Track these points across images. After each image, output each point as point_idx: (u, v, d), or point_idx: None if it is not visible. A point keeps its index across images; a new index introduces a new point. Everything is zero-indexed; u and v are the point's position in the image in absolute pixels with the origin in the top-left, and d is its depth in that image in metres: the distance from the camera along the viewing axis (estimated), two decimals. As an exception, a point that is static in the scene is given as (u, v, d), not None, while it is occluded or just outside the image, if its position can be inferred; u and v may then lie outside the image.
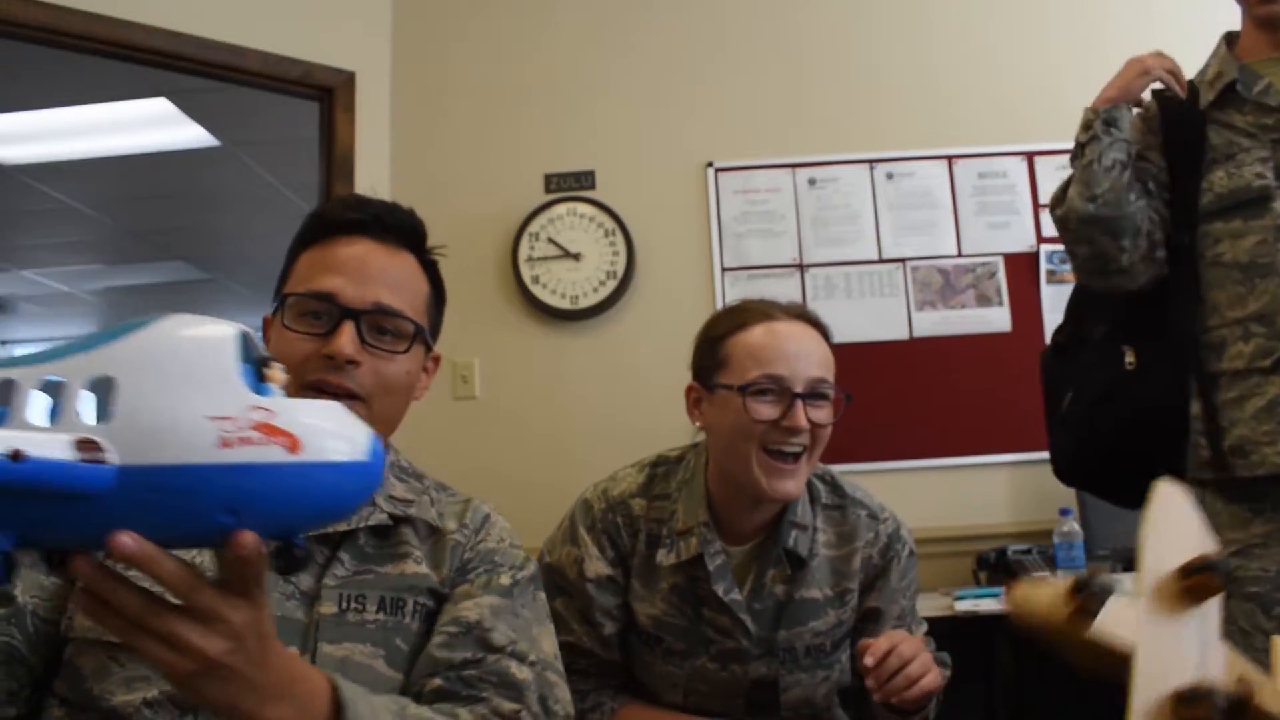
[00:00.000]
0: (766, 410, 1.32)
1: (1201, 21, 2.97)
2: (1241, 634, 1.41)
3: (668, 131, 2.94)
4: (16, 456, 0.51)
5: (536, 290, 2.84)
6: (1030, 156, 2.91)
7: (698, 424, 1.45)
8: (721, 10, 3.00)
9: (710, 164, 2.92)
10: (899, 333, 2.83)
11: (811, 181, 2.91)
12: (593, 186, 2.91)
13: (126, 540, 0.54)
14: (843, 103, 2.95)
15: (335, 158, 2.81)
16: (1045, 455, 2.72)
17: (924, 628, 1.51)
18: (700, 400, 1.43)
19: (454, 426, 2.75)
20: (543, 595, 1.09)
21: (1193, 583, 0.68)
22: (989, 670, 2.26)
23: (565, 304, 2.83)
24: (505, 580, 1.03)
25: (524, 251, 2.86)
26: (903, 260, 2.87)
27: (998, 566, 2.49)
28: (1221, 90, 1.62)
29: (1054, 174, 2.90)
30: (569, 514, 1.50)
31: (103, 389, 0.56)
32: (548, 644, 1.05)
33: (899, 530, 1.49)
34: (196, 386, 0.55)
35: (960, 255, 2.87)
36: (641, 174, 2.92)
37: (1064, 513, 2.45)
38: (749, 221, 2.90)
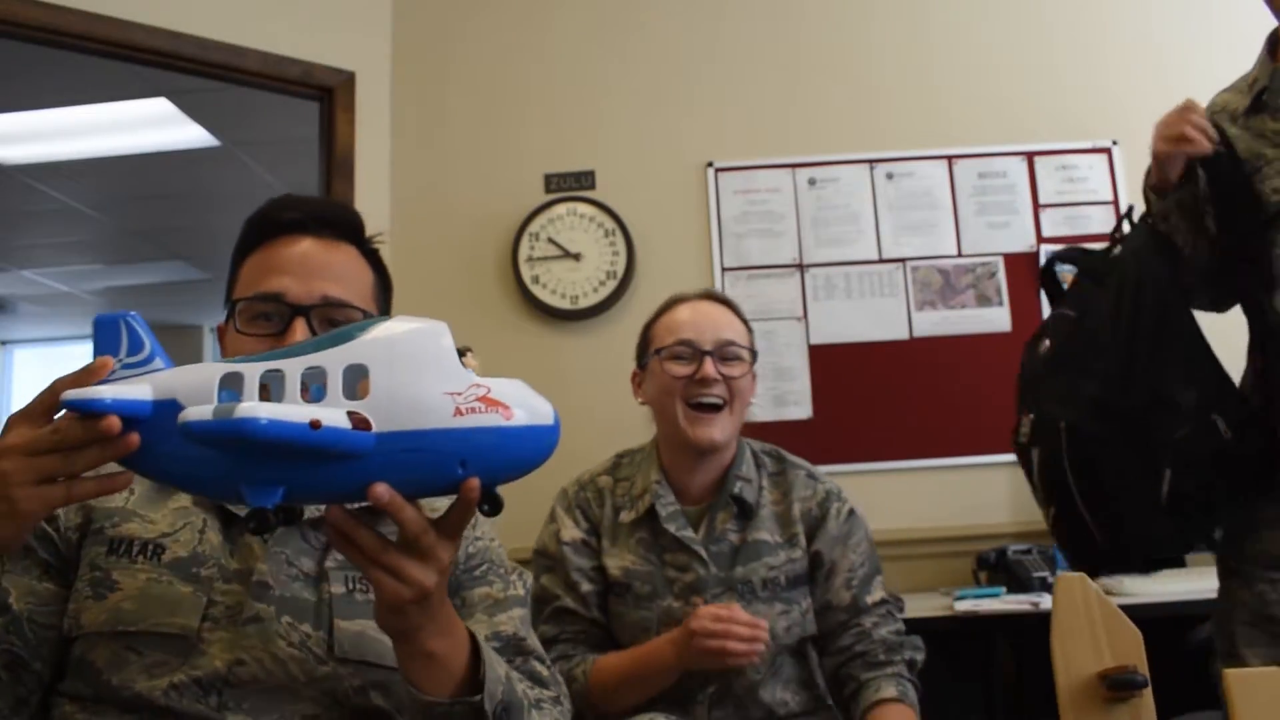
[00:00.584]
0: (680, 369, 1.58)
1: (1202, 21, 2.98)
2: None
3: (668, 131, 2.94)
4: (315, 425, 0.66)
5: (536, 290, 2.84)
6: (1030, 156, 2.91)
7: (640, 399, 1.69)
8: (721, 10, 3.01)
9: (710, 164, 2.92)
10: (899, 333, 2.83)
11: (811, 181, 2.91)
12: (593, 186, 2.91)
13: (382, 490, 0.70)
14: (843, 103, 2.95)
15: (335, 158, 2.81)
16: (1045, 455, 2.75)
17: (878, 599, 1.62)
18: (640, 380, 1.69)
19: (454, 426, 2.75)
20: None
21: (1115, 695, 0.74)
22: (989, 670, 2.26)
23: (565, 304, 2.84)
24: (520, 591, 1.10)
25: (524, 251, 2.86)
26: (903, 260, 2.87)
27: (998, 566, 2.49)
28: (1255, 96, 1.61)
29: (1054, 174, 2.90)
30: (548, 518, 1.73)
31: (353, 375, 0.71)
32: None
33: (839, 492, 1.68)
34: (432, 369, 0.71)
35: (960, 255, 2.87)
36: (641, 174, 2.92)
37: (1064, 513, 2.44)
38: (749, 221, 2.90)
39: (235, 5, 2.66)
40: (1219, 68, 2.95)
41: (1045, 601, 2.26)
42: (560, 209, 2.88)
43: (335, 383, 0.70)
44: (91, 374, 0.75)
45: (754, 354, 1.63)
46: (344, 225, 1.09)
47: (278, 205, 1.09)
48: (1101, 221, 2.88)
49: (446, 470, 0.71)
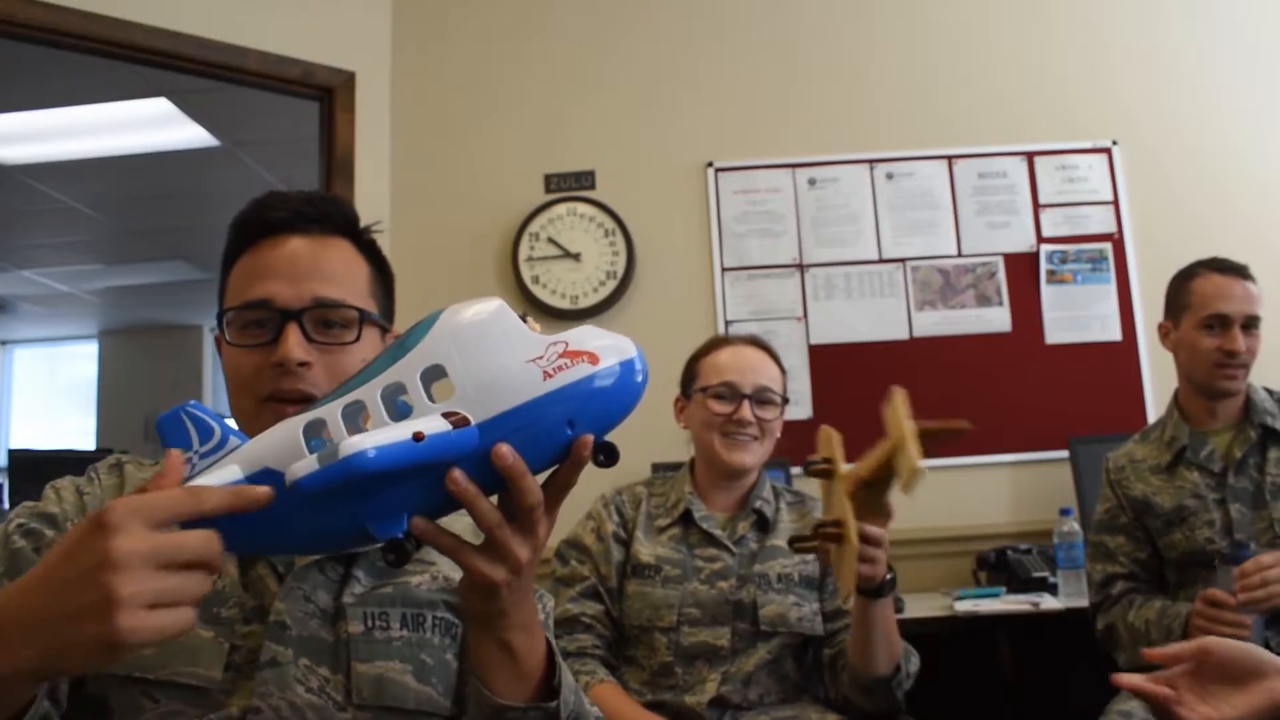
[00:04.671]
0: (721, 407, 1.78)
1: (1202, 22, 2.98)
2: None
3: (668, 131, 2.94)
4: (419, 437, 0.64)
5: (537, 290, 2.84)
6: (1030, 156, 2.91)
7: (682, 424, 1.89)
8: (721, 10, 3.00)
9: (710, 164, 2.92)
10: (899, 333, 2.83)
11: (811, 181, 2.91)
12: (593, 186, 2.91)
13: (506, 450, 0.68)
14: (843, 103, 2.95)
15: (335, 158, 2.81)
16: (1045, 455, 2.75)
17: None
18: (684, 407, 1.89)
19: (454, 426, 2.75)
20: None
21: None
22: (989, 670, 2.26)
23: (565, 304, 2.84)
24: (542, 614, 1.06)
25: (524, 251, 2.86)
26: (903, 260, 2.87)
27: (998, 566, 2.49)
28: (1175, 453, 1.91)
29: (1054, 174, 2.90)
30: (585, 516, 1.90)
31: (431, 377, 0.69)
32: None
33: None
34: (505, 345, 0.69)
35: (960, 255, 2.87)
36: (641, 174, 2.92)
37: (1064, 513, 2.45)
38: (749, 221, 2.90)
39: (235, 5, 2.66)
40: (1219, 67, 2.96)
41: (1045, 601, 2.26)
42: (560, 209, 2.88)
43: (417, 392, 0.69)
44: (169, 476, 0.68)
45: (785, 400, 1.84)
46: (334, 218, 1.02)
47: (262, 205, 1.02)
48: (1101, 221, 2.88)
49: (556, 435, 0.69)
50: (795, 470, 2.58)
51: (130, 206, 4.88)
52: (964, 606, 2.26)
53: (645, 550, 1.79)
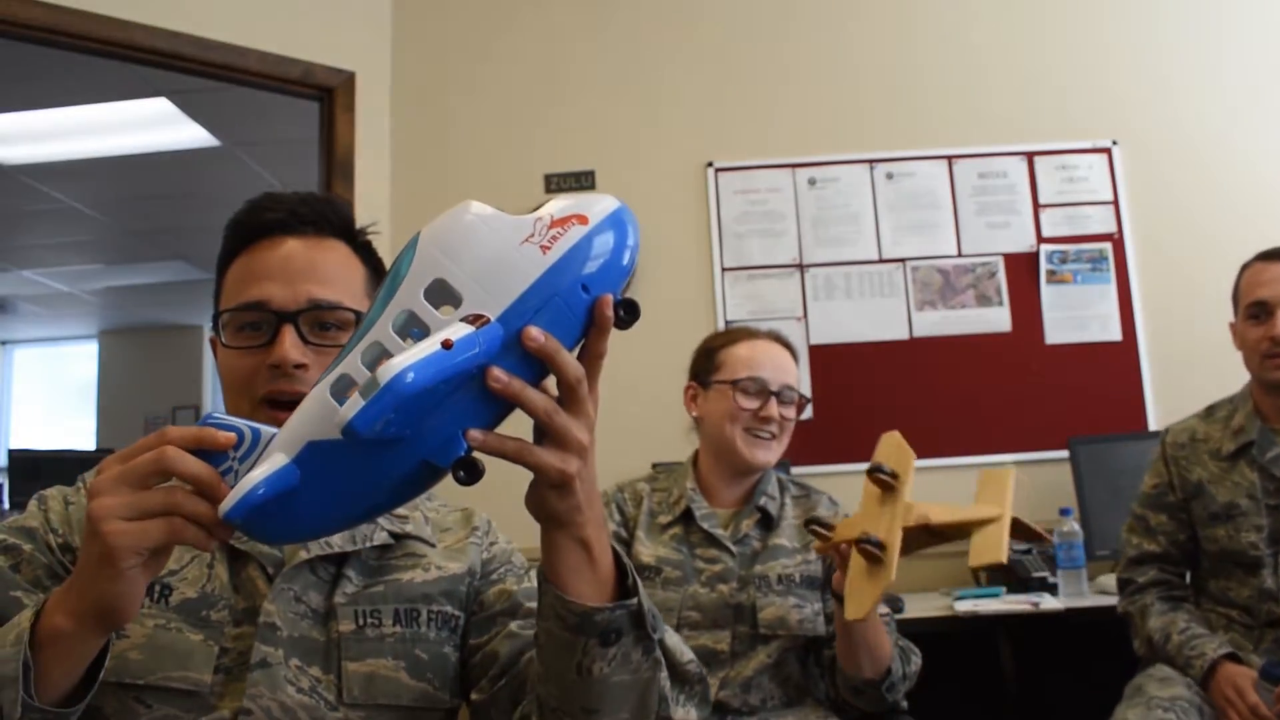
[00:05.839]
0: (748, 402, 1.74)
1: (1202, 22, 2.98)
2: None
3: (668, 131, 2.94)
4: (448, 344, 0.63)
5: (536, 290, 2.84)
6: (1030, 156, 2.91)
7: (694, 414, 1.84)
8: (722, 11, 3.00)
9: (710, 164, 2.92)
10: (899, 333, 2.83)
11: (811, 181, 2.91)
12: (593, 186, 2.91)
13: (536, 332, 0.67)
14: (843, 103, 2.95)
15: (335, 158, 2.81)
16: (1045, 455, 2.75)
17: (881, 610, 1.70)
18: (696, 395, 1.84)
19: (454, 426, 2.75)
20: None
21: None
22: (989, 670, 2.26)
23: (565, 304, 2.84)
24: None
25: (524, 251, 2.86)
26: (903, 260, 2.87)
27: (998, 566, 2.49)
28: (1240, 446, 1.82)
29: (1054, 174, 2.90)
30: None
31: (436, 293, 0.68)
32: None
33: None
34: (493, 236, 0.68)
35: (960, 255, 2.87)
36: (641, 174, 2.92)
37: (1064, 513, 2.44)
38: (749, 221, 2.90)
39: (235, 5, 2.66)
40: (1219, 67, 2.96)
41: (1045, 601, 2.26)
42: (560, 209, 2.88)
43: (427, 312, 0.67)
44: (206, 438, 0.70)
45: (805, 399, 1.82)
46: (329, 220, 1.02)
47: (257, 206, 1.02)
48: (1101, 221, 2.88)
49: (575, 303, 0.68)
50: (796, 470, 2.58)
51: (130, 206, 4.88)
52: (964, 606, 2.26)
53: (646, 550, 1.76)
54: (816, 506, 1.81)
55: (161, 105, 3.69)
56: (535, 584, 1.04)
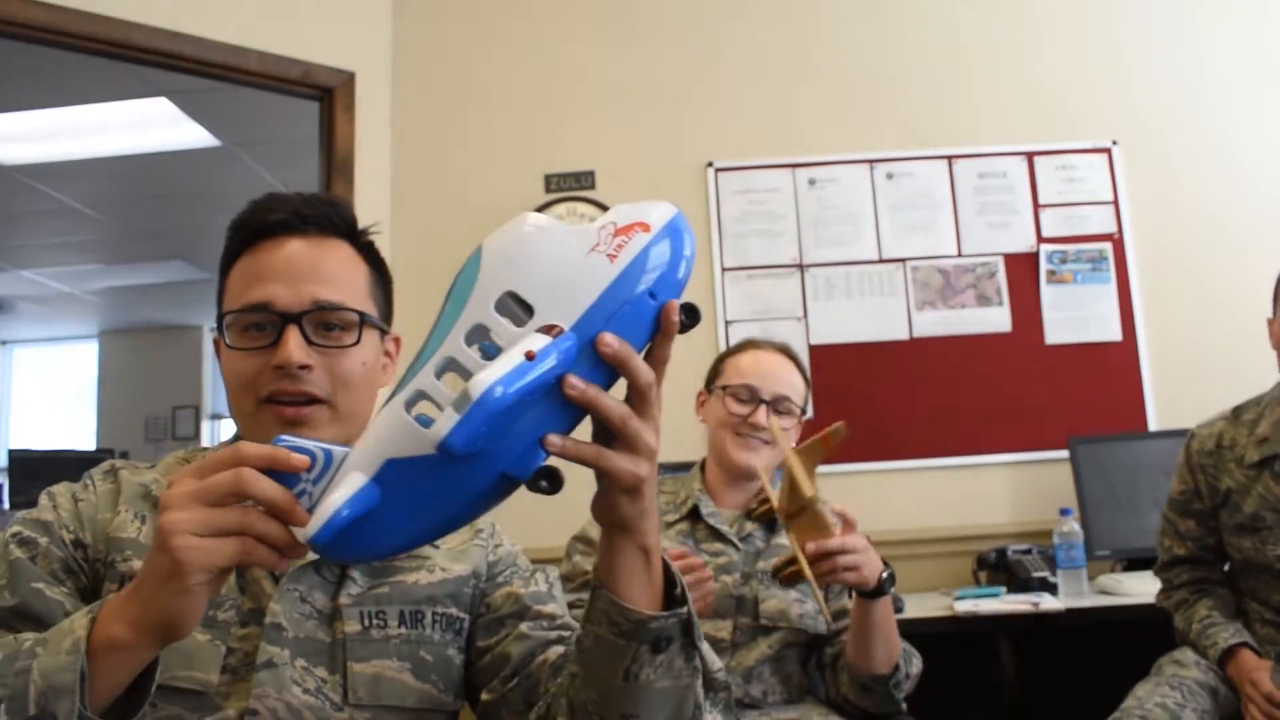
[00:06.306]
0: (738, 408, 1.80)
1: (1202, 22, 2.98)
2: None
3: (668, 131, 2.94)
4: (530, 356, 0.64)
5: (536, 290, 2.84)
6: (1030, 156, 2.91)
7: (701, 418, 1.91)
8: (722, 11, 3.00)
9: (710, 164, 2.92)
10: (899, 333, 2.83)
11: (811, 181, 2.91)
12: (593, 186, 2.91)
13: (610, 338, 0.68)
14: (843, 103, 2.95)
15: (335, 158, 2.81)
16: (1045, 455, 2.75)
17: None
18: (705, 401, 1.91)
19: (454, 426, 2.75)
20: None
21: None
22: (989, 670, 2.26)
23: (565, 304, 2.83)
24: (543, 587, 1.07)
25: (524, 251, 2.86)
26: (903, 260, 2.87)
27: (998, 566, 2.49)
28: (1266, 457, 1.76)
29: (1054, 174, 2.90)
30: None
31: (506, 304, 0.68)
32: None
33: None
34: (559, 247, 0.68)
35: (960, 255, 2.87)
36: (641, 174, 2.92)
37: (1064, 513, 2.45)
38: (749, 221, 2.90)
39: (235, 5, 2.66)
40: (1219, 67, 2.96)
41: (1045, 601, 2.26)
42: (560, 209, 2.88)
43: (499, 325, 0.67)
44: (280, 460, 0.69)
45: (804, 411, 1.85)
46: (332, 220, 1.02)
47: (260, 207, 1.02)
48: (1101, 222, 2.88)
49: (644, 310, 0.69)
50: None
51: (130, 206, 4.89)
52: (964, 606, 2.26)
53: None
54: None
55: (162, 105, 3.69)
56: (542, 587, 1.05)
